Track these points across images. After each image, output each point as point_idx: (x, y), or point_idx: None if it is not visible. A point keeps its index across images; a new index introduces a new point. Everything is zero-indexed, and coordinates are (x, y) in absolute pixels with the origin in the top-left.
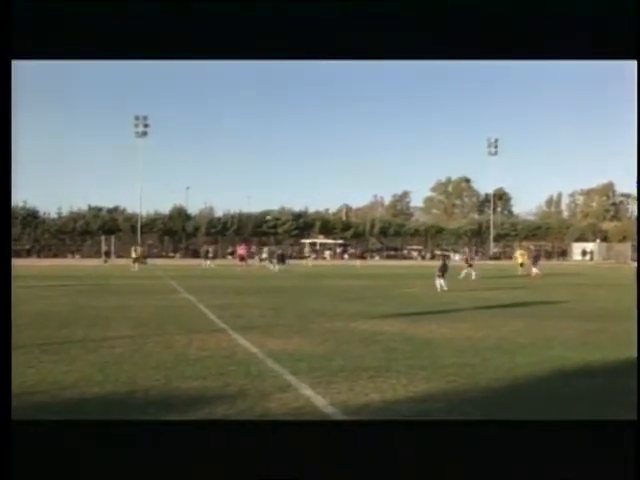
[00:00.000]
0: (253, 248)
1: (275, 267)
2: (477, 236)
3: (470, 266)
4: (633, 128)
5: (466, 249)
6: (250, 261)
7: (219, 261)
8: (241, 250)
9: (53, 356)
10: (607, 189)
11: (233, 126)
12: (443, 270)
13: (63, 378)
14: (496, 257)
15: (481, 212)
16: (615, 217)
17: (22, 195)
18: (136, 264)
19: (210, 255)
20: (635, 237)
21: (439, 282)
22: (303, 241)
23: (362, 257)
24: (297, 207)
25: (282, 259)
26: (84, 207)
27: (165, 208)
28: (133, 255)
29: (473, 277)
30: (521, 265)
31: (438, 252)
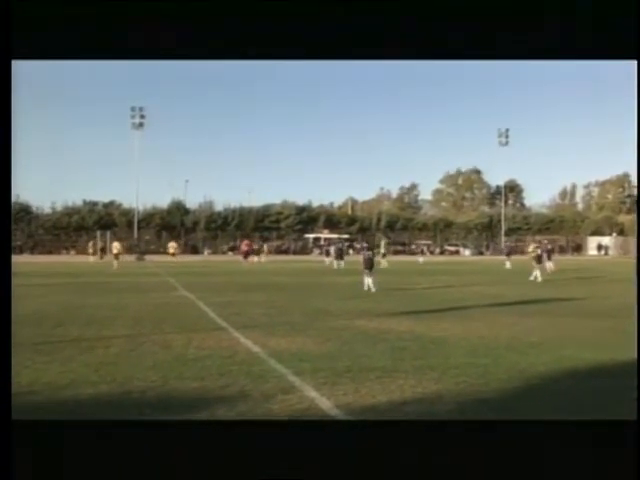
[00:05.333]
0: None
1: (336, 263)
2: (488, 230)
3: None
4: (633, 127)
5: (507, 243)
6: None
7: (219, 257)
8: (246, 246)
9: (47, 356)
10: (622, 180)
11: (232, 117)
12: (369, 266)
13: (57, 379)
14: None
15: (492, 205)
16: (631, 210)
17: (14, 189)
18: (116, 261)
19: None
20: None
21: (367, 280)
22: (307, 236)
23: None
24: (300, 201)
25: (340, 255)
26: (79, 202)
27: (163, 202)
28: (114, 251)
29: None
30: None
31: (448, 247)
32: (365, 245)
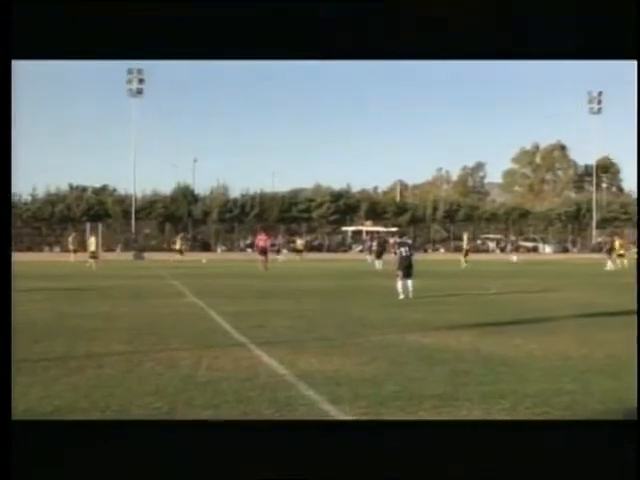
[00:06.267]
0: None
1: (377, 263)
2: (574, 221)
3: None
4: (634, 127)
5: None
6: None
7: (235, 255)
8: (261, 241)
9: (27, 377)
10: None
11: (253, 84)
12: (404, 266)
13: (39, 405)
14: (600, 248)
15: (579, 189)
16: None
17: None
18: (93, 261)
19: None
20: None
21: (402, 286)
22: (345, 229)
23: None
24: (337, 185)
25: (380, 252)
26: (64, 187)
27: (166, 187)
28: (91, 248)
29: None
30: (620, 256)
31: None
32: (399, 240)
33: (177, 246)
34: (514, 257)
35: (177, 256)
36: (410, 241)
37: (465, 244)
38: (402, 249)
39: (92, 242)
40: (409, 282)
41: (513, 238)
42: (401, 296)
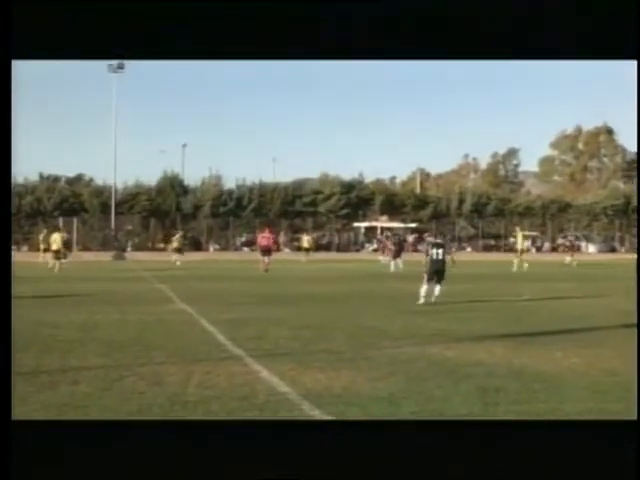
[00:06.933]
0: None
1: (393, 264)
2: (623, 216)
3: None
4: (633, 128)
5: None
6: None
7: (230, 254)
8: (264, 239)
9: None
10: None
11: (251, 61)
12: (434, 270)
13: None
14: None
15: (629, 179)
16: None
17: None
18: (56, 261)
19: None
20: None
21: (425, 288)
22: (357, 225)
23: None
24: (347, 174)
25: (398, 252)
26: (34, 176)
27: (151, 177)
28: (54, 247)
29: None
30: None
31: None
32: (434, 240)
33: (175, 245)
34: (567, 257)
35: (175, 256)
36: (441, 241)
37: (520, 243)
38: (434, 250)
39: (56, 239)
40: (437, 287)
41: (571, 237)
42: (421, 301)
